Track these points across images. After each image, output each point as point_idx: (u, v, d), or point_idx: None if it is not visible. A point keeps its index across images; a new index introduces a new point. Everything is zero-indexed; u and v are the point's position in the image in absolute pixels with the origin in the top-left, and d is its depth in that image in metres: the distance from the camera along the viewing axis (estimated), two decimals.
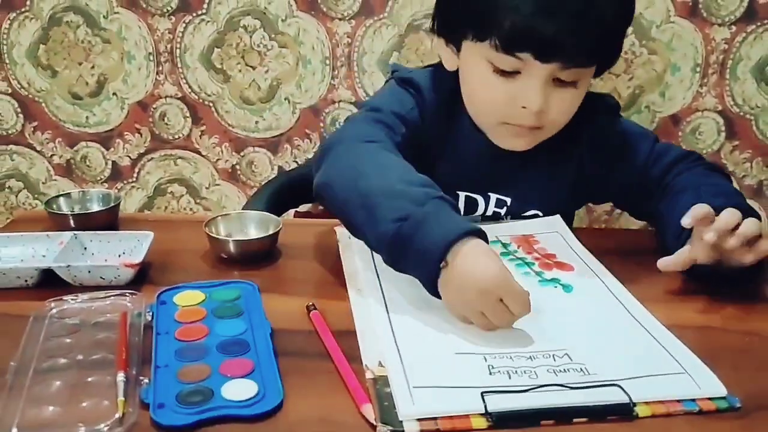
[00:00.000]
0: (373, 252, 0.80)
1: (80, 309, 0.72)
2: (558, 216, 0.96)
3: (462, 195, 0.97)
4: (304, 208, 1.31)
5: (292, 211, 1.30)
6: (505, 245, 0.88)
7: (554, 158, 0.96)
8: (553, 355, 0.65)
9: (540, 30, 0.80)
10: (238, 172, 1.53)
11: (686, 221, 0.75)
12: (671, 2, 1.33)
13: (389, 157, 0.81)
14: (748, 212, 0.79)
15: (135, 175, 1.56)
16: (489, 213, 0.98)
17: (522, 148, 0.92)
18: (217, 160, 1.53)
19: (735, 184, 1.42)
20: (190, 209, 1.58)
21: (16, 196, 1.60)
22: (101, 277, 0.77)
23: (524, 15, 0.80)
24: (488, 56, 0.85)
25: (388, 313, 0.72)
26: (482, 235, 0.70)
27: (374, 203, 0.74)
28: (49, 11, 1.43)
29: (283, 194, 1.24)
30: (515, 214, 0.98)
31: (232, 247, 0.83)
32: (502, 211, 0.98)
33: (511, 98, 0.86)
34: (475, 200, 0.97)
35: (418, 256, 0.70)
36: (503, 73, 0.86)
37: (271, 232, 0.85)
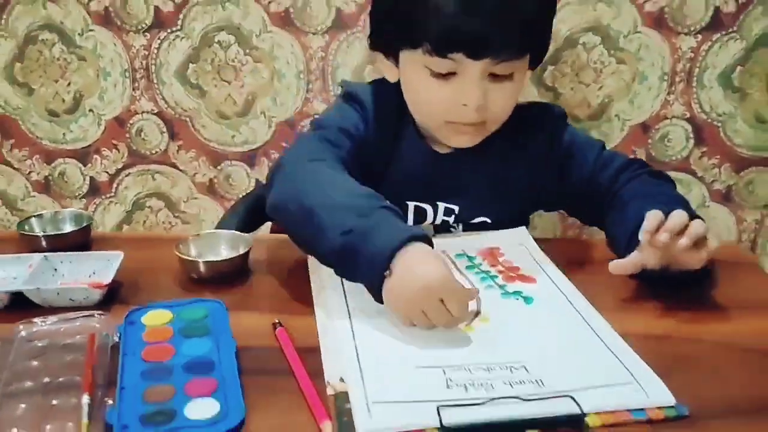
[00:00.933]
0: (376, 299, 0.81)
1: (49, 331, 0.73)
2: (523, 228, 0.98)
3: (411, 205, 0.99)
4: None
5: (269, 223, 1.32)
6: (470, 258, 0.90)
7: (501, 166, 0.99)
8: (510, 368, 0.67)
9: (465, 29, 0.85)
10: (216, 185, 1.55)
11: (644, 236, 0.77)
12: (638, 13, 1.36)
13: (333, 174, 0.84)
14: (693, 217, 0.81)
15: (113, 190, 1.57)
16: (438, 222, 1.00)
17: (470, 144, 0.96)
18: (195, 174, 1.54)
19: (704, 190, 1.48)
20: (169, 223, 1.59)
21: None
22: (70, 299, 0.78)
23: (448, 17, 0.84)
24: (424, 62, 0.89)
25: (352, 327, 0.74)
26: (426, 240, 0.74)
27: (320, 219, 0.77)
28: (24, 29, 1.44)
29: (260, 207, 1.24)
30: (464, 221, 1.00)
31: (202, 268, 0.84)
32: (451, 219, 1.00)
33: (451, 98, 0.90)
34: (424, 210, 1.00)
35: (364, 266, 0.74)
36: (440, 75, 0.89)
37: (241, 251, 0.86)
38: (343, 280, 0.83)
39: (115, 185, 1.56)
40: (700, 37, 1.37)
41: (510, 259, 0.90)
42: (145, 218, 1.59)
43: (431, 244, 0.74)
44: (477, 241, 0.95)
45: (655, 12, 1.36)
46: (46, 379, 0.65)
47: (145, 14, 1.41)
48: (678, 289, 0.82)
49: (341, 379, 0.65)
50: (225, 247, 0.89)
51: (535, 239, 0.96)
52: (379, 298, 0.74)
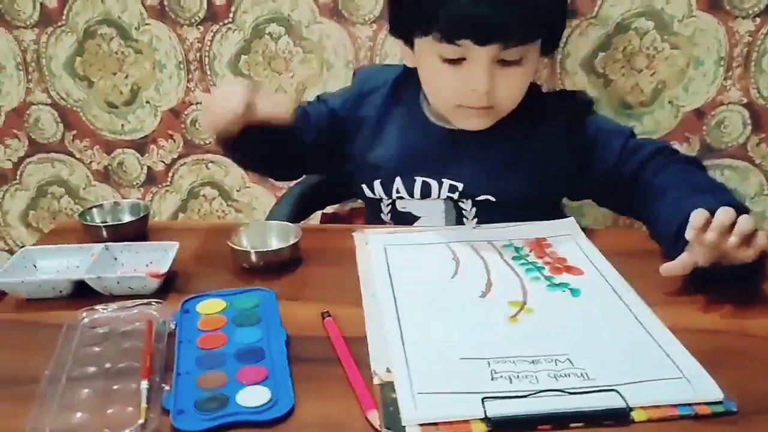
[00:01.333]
0: (387, 254, 0.89)
1: (109, 318, 0.77)
2: (572, 218, 0.97)
3: (419, 180, 1.03)
4: (330, 209, 1.35)
5: (319, 213, 1.34)
6: (517, 249, 0.90)
7: (511, 148, 1.01)
8: (556, 360, 0.67)
9: (472, 16, 0.88)
10: None
11: (690, 234, 0.76)
12: None
13: None
14: (738, 208, 0.80)
15: (169, 179, 1.62)
16: (443, 196, 1.03)
17: (481, 127, 0.99)
18: None
19: (762, 178, 1.44)
20: (222, 211, 1.63)
21: (59, 202, 1.68)
22: (129, 287, 0.82)
23: (456, 4, 0.88)
24: (435, 48, 0.93)
25: (398, 318, 0.75)
26: None
27: None
28: (84, 25, 1.49)
29: (310, 196, 1.28)
30: (468, 197, 1.02)
31: (253, 258, 0.87)
32: (455, 196, 1.03)
33: (461, 83, 0.94)
34: (429, 185, 1.03)
35: None
36: (450, 61, 0.93)
37: (291, 242, 0.89)
38: (391, 268, 0.85)
39: (170, 174, 1.61)
40: (758, 20, 1.33)
41: (557, 251, 0.90)
42: (200, 206, 1.63)
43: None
44: (525, 231, 0.95)
45: None
46: (108, 365, 0.68)
47: (198, 7, 1.45)
48: (728, 282, 0.80)
49: (387, 370, 0.67)
50: (275, 237, 0.92)
51: (584, 230, 0.95)
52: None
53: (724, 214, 0.76)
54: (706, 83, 1.38)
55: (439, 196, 1.03)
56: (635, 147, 0.98)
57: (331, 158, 1.10)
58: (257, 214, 1.61)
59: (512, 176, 1.01)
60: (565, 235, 0.93)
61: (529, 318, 0.75)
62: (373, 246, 0.92)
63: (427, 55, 0.96)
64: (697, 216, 0.76)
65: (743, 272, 0.80)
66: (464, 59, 0.92)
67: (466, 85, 0.93)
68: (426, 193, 1.03)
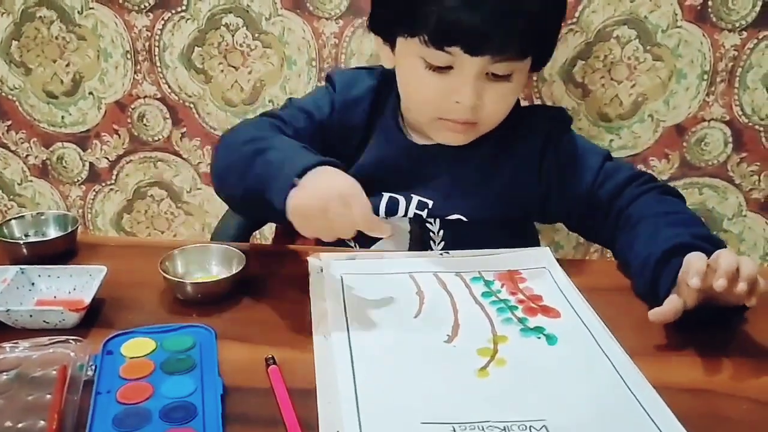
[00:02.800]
0: (344, 285, 0.80)
1: (18, 360, 0.66)
2: (547, 248, 0.89)
3: (385, 195, 0.95)
4: None
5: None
6: (488, 283, 0.82)
7: (485, 165, 0.94)
8: (530, 427, 0.59)
9: (466, 22, 0.80)
10: None
11: (694, 282, 0.68)
12: (678, 6, 1.25)
13: (266, 132, 0.88)
14: (709, 239, 0.78)
15: (113, 177, 1.50)
16: (410, 214, 0.95)
17: (459, 142, 0.92)
18: (199, 163, 1.46)
19: (741, 198, 1.38)
20: (171, 213, 1.52)
21: None
22: (45, 321, 0.71)
23: (450, 8, 0.80)
24: (420, 52, 0.85)
25: (353, 368, 0.66)
26: (340, 167, 0.76)
27: (244, 165, 0.82)
28: (21, 5, 1.36)
29: None
30: (439, 217, 0.95)
31: (189, 289, 0.77)
32: (424, 214, 0.95)
33: (445, 93, 0.87)
34: (397, 200, 0.95)
35: (279, 182, 0.75)
36: (436, 68, 0.85)
37: (234, 269, 0.79)
38: (347, 305, 0.76)
39: (115, 172, 1.49)
40: (745, 34, 1.26)
41: (532, 286, 0.81)
42: (147, 208, 1.52)
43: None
44: (496, 261, 0.86)
45: (698, 5, 1.25)
46: (7, 423, 0.58)
47: None
48: (715, 328, 0.73)
49: None
50: (216, 263, 0.81)
51: (558, 260, 0.87)
52: (284, 210, 0.74)
53: (729, 259, 0.69)
54: (689, 98, 1.31)
55: (406, 214, 0.95)
56: (612, 170, 0.92)
57: None
58: (209, 217, 1.50)
59: (485, 194, 0.94)
60: (539, 268, 0.85)
61: (500, 372, 0.67)
62: (328, 275, 0.82)
63: (409, 59, 0.87)
64: (699, 262, 0.69)
65: (729, 313, 0.74)
66: (451, 68, 0.85)
67: (450, 96, 0.86)
68: (392, 210, 0.95)
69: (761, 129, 1.33)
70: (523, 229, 1.04)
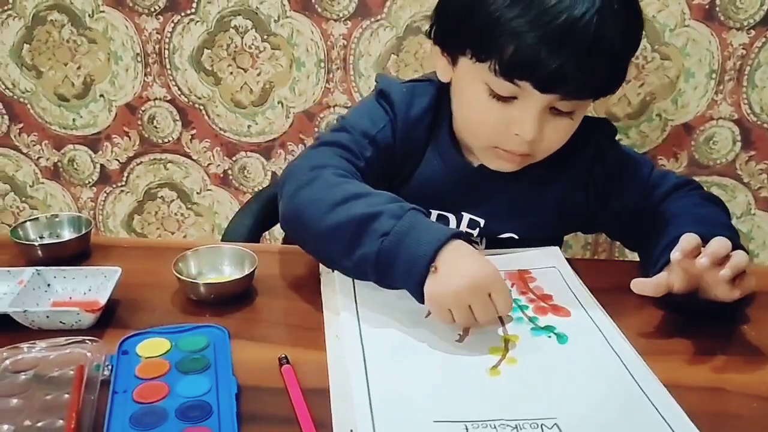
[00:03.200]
0: (355, 285, 0.79)
1: (35, 360, 0.67)
2: (556, 248, 0.90)
3: (434, 213, 0.92)
4: None
5: None
6: None
7: (536, 183, 0.91)
8: (542, 425, 0.60)
9: (544, 61, 0.75)
10: (230, 177, 1.48)
11: (675, 255, 0.70)
12: (686, 5, 1.25)
13: (352, 184, 0.80)
14: (736, 245, 0.75)
15: (124, 179, 1.51)
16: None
17: (510, 170, 0.88)
18: (209, 164, 1.47)
19: (750, 197, 1.37)
20: (181, 214, 1.53)
21: (3, 199, 1.56)
22: (61, 322, 0.72)
23: (529, 44, 0.75)
24: (485, 78, 0.80)
25: (365, 367, 0.67)
26: (464, 237, 0.72)
27: (351, 230, 0.74)
28: (33, 9, 1.37)
29: (276, 203, 1.19)
30: (489, 236, 0.94)
31: (202, 290, 0.78)
32: (475, 232, 0.93)
33: (505, 124, 0.82)
34: (447, 218, 0.93)
35: (406, 267, 0.70)
36: (499, 97, 0.80)
37: (246, 270, 0.79)
38: (358, 303, 0.77)
39: (126, 174, 1.50)
40: (753, 32, 1.26)
41: (542, 285, 0.82)
42: (157, 209, 1.53)
43: (469, 242, 0.72)
44: (506, 261, 0.87)
45: (705, 5, 1.25)
46: (27, 422, 0.59)
47: None
48: (723, 327, 0.74)
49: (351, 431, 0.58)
50: (229, 264, 0.82)
51: (568, 260, 0.88)
52: (420, 298, 0.71)
53: (720, 244, 0.69)
54: (697, 97, 1.31)
55: None
56: (658, 179, 0.91)
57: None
58: (219, 218, 1.51)
59: (536, 213, 0.93)
60: (549, 268, 0.86)
61: (511, 370, 0.67)
62: (339, 275, 0.83)
63: (472, 82, 0.82)
64: (689, 239, 0.70)
65: (718, 310, 0.74)
66: (515, 98, 0.80)
67: (511, 127, 0.81)
68: None
69: None
70: (559, 238, 1.03)
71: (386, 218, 0.72)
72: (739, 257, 0.70)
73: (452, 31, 0.84)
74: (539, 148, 0.84)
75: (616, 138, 0.96)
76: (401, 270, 0.71)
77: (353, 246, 0.73)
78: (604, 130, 0.94)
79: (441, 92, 0.90)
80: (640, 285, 0.73)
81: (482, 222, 0.93)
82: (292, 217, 0.81)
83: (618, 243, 1.02)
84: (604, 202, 0.92)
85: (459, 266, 0.69)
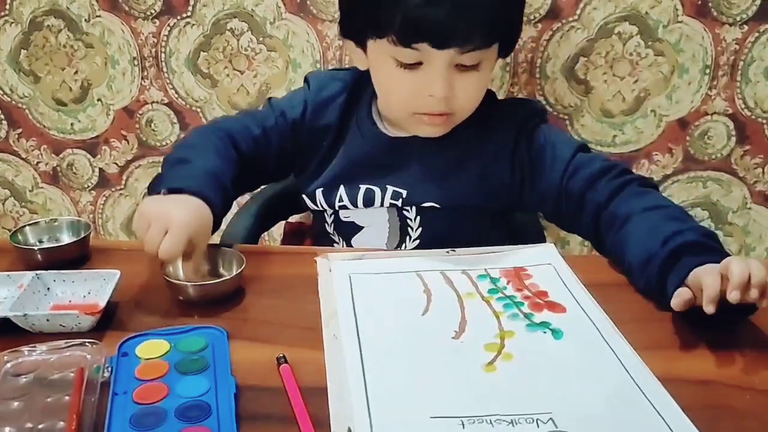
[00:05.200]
0: (353, 284, 0.82)
1: (36, 363, 0.68)
2: (552, 245, 0.91)
3: (363, 187, 0.99)
4: (295, 218, 1.27)
5: (282, 222, 1.26)
6: (494, 280, 0.83)
7: (459, 151, 0.97)
8: (537, 420, 0.60)
9: (430, 18, 0.83)
10: None
11: (710, 310, 0.69)
12: (679, 1, 1.26)
13: (209, 142, 0.95)
14: (706, 235, 0.80)
15: (123, 182, 1.51)
16: (386, 204, 0.98)
17: (437, 134, 0.95)
18: None
19: (746, 191, 1.38)
20: None
21: (3, 204, 1.56)
22: (61, 325, 0.73)
23: (413, 7, 0.83)
24: (390, 52, 0.88)
25: (363, 366, 0.68)
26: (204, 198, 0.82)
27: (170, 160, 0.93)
28: (30, 15, 1.38)
29: (273, 206, 1.20)
30: (413, 205, 0.98)
31: (190, 292, 0.78)
32: (398, 203, 0.98)
33: (417, 89, 0.89)
34: (373, 191, 0.98)
35: (157, 183, 0.87)
36: (406, 65, 0.88)
37: (234, 272, 0.80)
38: (356, 303, 0.78)
39: (125, 177, 1.51)
40: (746, 27, 1.27)
41: (537, 282, 0.83)
42: None
43: (206, 201, 0.82)
44: (501, 258, 0.88)
45: (698, 0, 1.25)
46: (28, 425, 0.60)
47: (154, 0, 1.34)
48: (721, 323, 0.74)
49: (349, 430, 0.59)
50: (217, 265, 0.83)
51: (563, 257, 0.88)
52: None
53: (742, 268, 0.69)
54: (691, 92, 1.32)
55: (382, 204, 0.99)
56: (584, 161, 0.93)
57: (281, 169, 1.07)
58: None
59: (457, 183, 0.97)
60: (544, 264, 0.86)
61: (507, 366, 0.68)
62: (336, 275, 0.84)
63: (381, 59, 0.91)
64: (713, 284, 0.69)
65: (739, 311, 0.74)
66: (420, 63, 0.88)
67: (423, 90, 0.89)
68: (369, 201, 0.99)
69: (764, 122, 1.34)
70: (505, 219, 1.05)
71: (186, 166, 0.90)
72: (759, 274, 0.69)
73: (353, 19, 0.94)
74: (456, 105, 0.91)
75: (546, 120, 1.01)
76: (152, 185, 0.88)
77: (164, 167, 0.93)
78: (531, 109, 1.00)
79: (361, 77, 1.00)
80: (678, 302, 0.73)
81: (404, 192, 0.97)
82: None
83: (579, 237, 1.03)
84: (529, 179, 0.96)
85: (174, 201, 0.81)
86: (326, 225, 1.04)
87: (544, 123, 1.00)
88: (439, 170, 0.97)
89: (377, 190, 0.98)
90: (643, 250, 0.81)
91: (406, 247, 0.99)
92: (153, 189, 0.88)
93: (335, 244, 1.04)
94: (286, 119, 1.00)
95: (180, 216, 0.78)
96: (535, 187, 0.96)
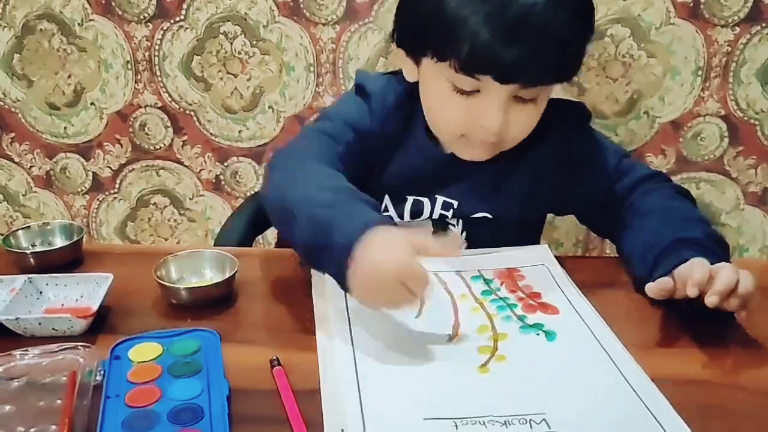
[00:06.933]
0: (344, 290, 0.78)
1: (28, 367, 0.67)
2: (545, 246, 0.91)
3: (410, 199, 0.95)
4: None
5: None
6: (487, 281, 0.83)
7: (509, 161, 0.94)
8: (530, 421, 0.60)
9: (500, 55, 0.78)
10: (222, 182, 1.48)
11: (693, 292, 0.70)
12: (671, 3, 1.26)
13: (317, 170, 0.83)
14: (719, 242, 0.80)
15: (117, 186, 1.51)
16: (435, 215, 0.96)
17: (483, 158, 0.91)
18: (201, 170, 1.48)
19: (738, 192, 1.39)
20: (174, 221, 1.53)
21: None
22: (53, 329, 0.73)
23: (484, 40, 0.78)
24: (448, 76, 0.83)
25: (356, 368, 0.68)
26: (387, 223, 0.72)
27: (295, 213, 0.76)
28: (23, 19, 1.38)
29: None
30: (463, 216, 0.96)
31: (183, 294, 0.78)
32: (449, 214, 0.96)
33: (471, 117, 0.85)
34: (421, 202, 0.95)
35: (329, 258, 0.72)
36: (463, 92, 0.84)
37: (227, 275, 0.80)
38: (349, 305, 0.77)
39: (118, 181, 1.51)
40: (738, 29, 1.27)
41: (531, 284, 0.83)
42: (150, 215, 1.53)
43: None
44: (495, 260, 0.88)
45: (690, 2, 1.26)
46: (20, 429, 0.59)
47: (147, 3, 1.34)
48: (709, 320, 0.75)
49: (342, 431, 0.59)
50: (209, 267, 0.83)
51: (557, 257, 0.89)
52: (345, 288, 0.72)
53: (730, 277, 0.70)
54: (684, 93, 1.33)
55: (431, 215, 0.96)
56: (628, 168, 0.94)
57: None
58: (212, 224, 1.52)
59: (508, 192, 0.95)
60: (538, 266, 0.86)
61: (500, 367, 0.68)
62: (330, 277, 0.83)
63: (436, 80, 0.86)
64: (701, 273, 0.70)
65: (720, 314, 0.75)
66: (478, 91, 0.83)
67: (476, 119, 0.84)
68: (417, 212, 0.96)
69: (756, 123, 1.34)
70: (541, 224, 1.06)
71: (322, 207, 0.75)
72: (746, 286, 0.70)
73: (412, 34, 0.87)
74: (507, 136, 0.87)
75: (590, 124, 0.98)
76: (327, 261, 0.73)
77: (295, 230, 0.76)
78: (577, 114, 0.97)
79: (415, 85, 0.93)
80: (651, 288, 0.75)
81: (455, 203, 0.95)
82: (265, 198, 0.84)
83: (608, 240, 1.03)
84: (576, 185, 0.95)
85: (370, 259, 0.69)
86: None
87: (588, 128, 0.98)
88: (490, 181, 0.94)
89: (426, 202, 0.95)
90: (648, 241, 0.82)
91: None
92: (325, 259, 0.74)
93: None
94: (359, 132, 0.92)
95: (397, 258, 0.68)
96: (579, 192, 0.95)
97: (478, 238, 0.96)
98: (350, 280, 0.70)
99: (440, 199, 0.95)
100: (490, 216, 0.95)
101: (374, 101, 0.93)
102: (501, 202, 0.95)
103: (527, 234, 0.98)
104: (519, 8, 0.77)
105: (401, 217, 0.96)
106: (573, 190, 0.95)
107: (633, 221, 0.88)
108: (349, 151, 0.89)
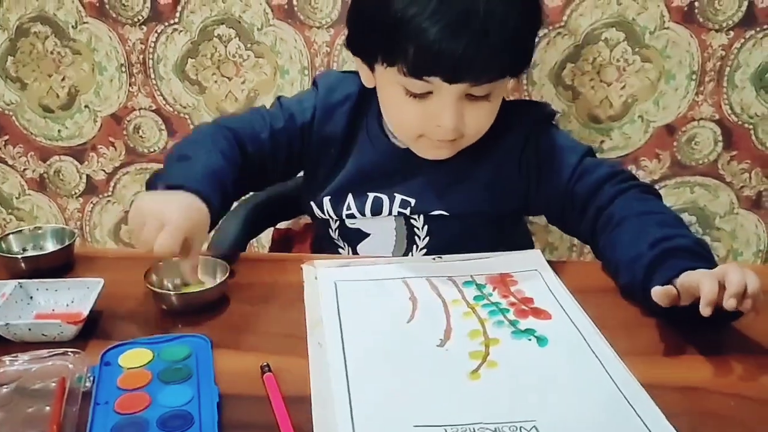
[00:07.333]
0: (338, 292, 0.81)
1: (18, 373, 0.67)
2: (538, 251, 0.91)
3: (371, 195, 0.97)
4: (283, 225, 1.26)
5: (271, 229, 1.26)
6: (479, 287, 0.83)
7: (467, 159, 0.95)
8: (521, 428, 0.60)
9: (445, 54, 0.80)
10: None
11: (707, 312, 0.69)
12: (666, 7, 1.26)
13: (223, 132, 0.94)
14: (701, 244, 0.80)
15: (111, 189, 1.51)
16: (395, 213, 0.97)
17: (445, 156, 0.93)
18: None
19: (733, 196, 1.39)
20: None
21: None
22: (43, 334, 0.72)
23: (427, 41, 0.79)
24: (399, 80, 0.85)
25: (347, 374, 0.67)
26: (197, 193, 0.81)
27: (183, 140, 0.97)
28: (16, 21, 1.38)
29: (261, 212, 1.20)
30: (421, 214, 0.97)
31: (174, 300, 0.78)
32: (407, 211, 0.97)
33: (426, 118, 0.87)
34: (381, 200, 0.97)
35: (157, 176, 0.87)
36: (415, 95, 0.86)
37: (218, 280, 0.80)
38: (341, 311, 0.78)
39: (112, 184, 1.50)
40: (732, 33, 1.27)
41: (523, 289, 0.82)
42: None
43: (204, 199, 0.81)
44: (487, 265, 0.87)
45: (684, 6, 1.26)
46: None
47: (141, 6, 1.34)
48: (701, 327, 0.74)
49: None
50: (201, 273, 0.82)
51: (550, 262, 0.88)
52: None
53: (739, 278, 0.69)
54: (678, 98, 1.33)
55: (390, 213, 0.97)
56: (590, 167, 0.93)
57: (288, 172, 1.04)
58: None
59: (466, 189, 0.96)
60: (530, 271, 0.86)
61: (491, 373, 0.68)
62: (322, 282, 0.83)
63: (389, 85, 0.88)
64: (711, 287, 0.69)
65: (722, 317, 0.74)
66: (430, 93, 0.85)
67: (431, 120, 0.86)
68: (377, 210, 0.97)
69: (750, 127, 1.34)
70: (513, 224, 1.05)
71: (188, 163, 0.89)
72: (754, 285, 0.69)
73: (363, 39, 0.90)
74: (466, 133, 0.88)
75: (555, 123, 1.00)
76: (150, 180, 0.86)
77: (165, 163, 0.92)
78: (539, 113, 0.98)
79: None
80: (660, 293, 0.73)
81: (413, 201, 0.96)
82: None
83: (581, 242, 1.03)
84: (536, 183, 0.95)
85: (170, 197, 0.79)
86: (330, 231, 1.03)
87: (551, 126, 0.98)
88: (448, 178, 0.96)
89: (385, 199, 0.97)
90: (631, 250, 0.81)
91: (413, 255, 0.98)
92: (151, 184, 0.86)
93: (340, 250, 1.03)
94: (295, 123, 0.97)
95: (177, 213, 0.76)
96: (541, 191, 0.95)
97: (441, 235, 0.97)
98: (138, 196, 0.82)
99: (398, 197, 0.96)
100: (446, 214, 0.96)
101: (321, 96, 0.98)
102: (458, 201, 0.96)
103: (495, 233, 0.98)
104: (460, 6, 0.79)
105: (363, 213, 0.98)
106: (533, 189, 0.96)
107: (608, 229, 0.87)
108: (273, 136, 0.96)
